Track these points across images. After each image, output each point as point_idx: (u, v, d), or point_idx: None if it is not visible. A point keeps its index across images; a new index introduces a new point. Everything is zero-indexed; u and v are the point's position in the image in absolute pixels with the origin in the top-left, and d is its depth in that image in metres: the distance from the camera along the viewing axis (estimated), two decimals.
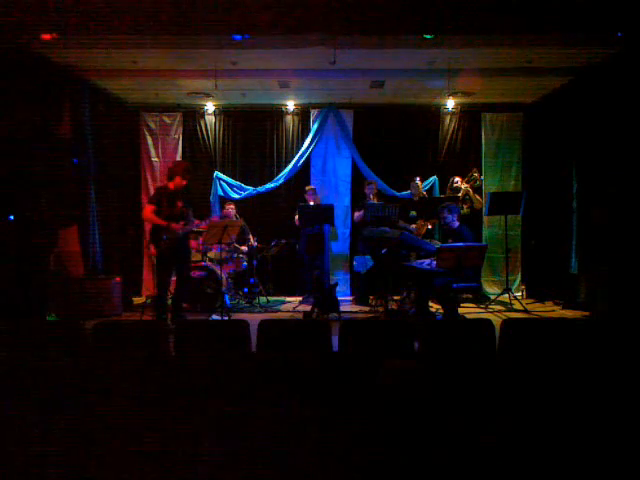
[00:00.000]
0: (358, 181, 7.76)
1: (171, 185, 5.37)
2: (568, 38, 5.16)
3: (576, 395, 2.24)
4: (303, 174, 7.89)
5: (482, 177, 7.38)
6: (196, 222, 5.57)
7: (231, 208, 7.25)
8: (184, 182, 5.39)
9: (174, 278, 5.71)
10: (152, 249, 5.60)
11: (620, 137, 5.57)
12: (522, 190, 7.47)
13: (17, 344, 2.89)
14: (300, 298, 7.11)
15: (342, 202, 7.87)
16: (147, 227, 7.40)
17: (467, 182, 7.08)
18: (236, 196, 7.79)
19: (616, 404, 2.14)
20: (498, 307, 6.57)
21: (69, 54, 5.54)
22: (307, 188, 7.36)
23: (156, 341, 3.08)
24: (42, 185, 5.57)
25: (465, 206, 7.02)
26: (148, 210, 5.24)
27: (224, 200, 7.68)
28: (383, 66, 6.27)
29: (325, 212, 6.33)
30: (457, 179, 7.16)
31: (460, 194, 7.00)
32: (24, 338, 2.94)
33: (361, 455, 1.87)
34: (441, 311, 5.58)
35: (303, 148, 7.81)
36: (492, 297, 6.98)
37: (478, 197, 7.21)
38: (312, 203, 7.22)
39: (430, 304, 5.81)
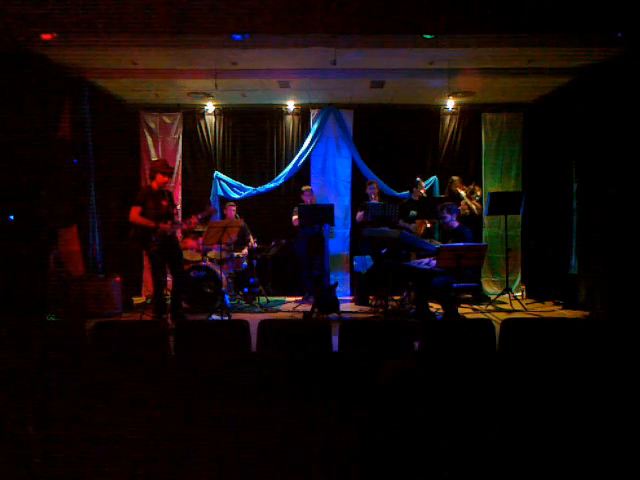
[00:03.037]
0: (358, 181, 7.77)
1: (154, 185, 5.37)
2: (568, 38, 5.16)
3: (576, 395, 2.24)
4: (303, 174, 7.89)
5: (481, 192, 7.38)
6: (181, 222, 5.62)
7: (233, 209, 7.25)
8: (165, 179, 5.41)
9: (171, 278, 5.73)
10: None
11: (620, 137, 5.57)
12: (522, 190, 7.47)
13: (17, 344, 2.89)
14: (300, 298, 7.11)
15: (342, 202, 7.87)
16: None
17: (467, 196, 7.05)
18: (236, 196, 7.79)
19: (616, 404, 2.14)
20: (498, 307, 6.57)
21: (69, 54, 5.54)
22: (303, 188, 7.35)
23: (156, 341, 3.08)
24: (42, 185, 5.57)
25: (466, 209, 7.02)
26: (135, 212, 5.21)
27: (224, 200, 7.69)
28: (383, 66, 6.27)
29: (325, 212, 6.33)
30: (454, 178, 7.15)
31: (460, 208, 6.96)
32: (24, 338, 2.94)
33: (362, 455, 1.87)
34: (441, 311, 5.58)
35: (303, 148, 7.80)
36: (492, 297, 6.97)
37: (478, 204, 7.20)
38: (309, 203, 7.21)
39: (430, 304, 5.81)
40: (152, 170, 5.48)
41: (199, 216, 5.60)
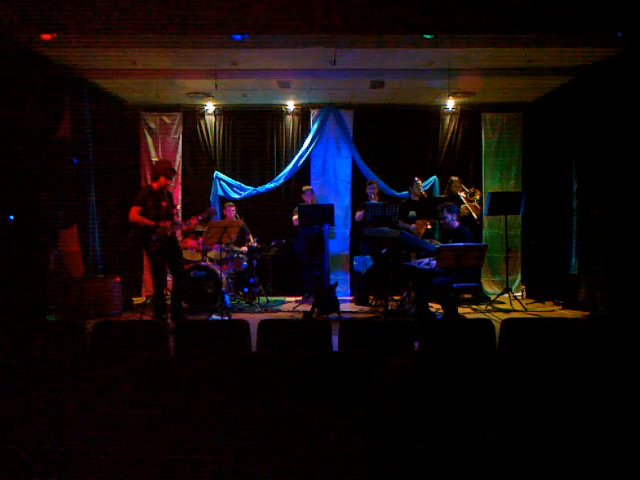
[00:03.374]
0: (358, 181, 7.77)
1: (155, 185, 5.37)
2: (568, 38, 5.16)
3: (576, 395, 2.24)
4: (303, 174, 7.89)
5: (480, 196, 7.39)
6: (180, 223, 5.63)
7: (232, 209, 7.26)
8: (168, 182, 5.42)
9: (171, 278, 5.73)
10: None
11: (620, 137, 5.57)
12: (522, 190, 7.47)
13: (17, 344, 2.89)
14: (300, 298, 7.11)
15: (342, 202, 7.87)
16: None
17: (467, 199, 7.05)
18: (236, 196, 7.79)
19: (616, 404, 2.14)
20: (498, 307, 6.57)
21: (69, 54, 5.54)
22: (304, 188, 7.35)
23: (156, 341, 3.08)
24: (42, 185, 5.57)
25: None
26: (134, 211, 5.20)
27: (224, 200, 7.69)
28: (383, 66, 6.27)
29: (325, 212, 6.33)
30: (454, 178, 7.15)
31: (461, 211, 6.96)
32: (24, 338, 2.94)
33: (361, 455, 1.87)
34: (441, 311, 5.59)
35: (303, 148, 7.80)
36: (492, 297, 6.97)
37: (477, 205, 7.21)
38: (309, 203, 7.21)
39: (430, 304, 5.81)
40: (156, 171, 5.48)
41: (199, 217, 5.60)
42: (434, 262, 5.30)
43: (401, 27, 4.46)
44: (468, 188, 7.19)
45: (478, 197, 7.22)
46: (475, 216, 7.00)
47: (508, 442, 1.92)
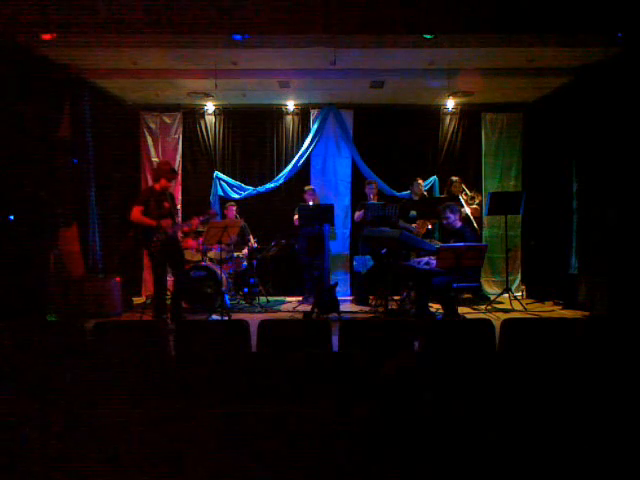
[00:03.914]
0: (358, 181, 7.77)
1: (157, 186, 5.38)
2: (568, 38, 5.16)
3: (576, 395, 2.24)
4: (303, 174, 7.89)
5: (480, 199, 7.40)
6: (181, 224, 5.64)
7: (233, 209, 7.25)
8: (169, 184, 5.43)
9: (171, 278, 5.73)
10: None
11: (620, 137, 5.57)
12: (522, 190, 7.47)
13: (17, 344, 2.89)
14: (300, 298, 7.11)
15: (342, 202, 7.87)
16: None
17: (467, 202, 7.04)
18: (236, 196, 7.79)
19: (615, 404, 2.14)
20: (498, 307, 6.57)
21: (69, 54, 5.54)
22: (306, 188, 7.35)
23: (156, 341, 3.08)
24: (42, 185, 5.57)
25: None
26: (136, 211, 5.19)
27: (224, 200, 7.69)
28: (383, 66, 6.27)
29: (325, 212, 6.33)
30: (454, 179, 7.15)
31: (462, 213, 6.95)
32: (24, 338, 2.94)
33: (361, 455, 1.87)
34: (441, 311, 5.59)
35: (303, 148, 7.81)
36: (492, 297, 6.97)
37: (477, 207, 7.22)
38: (311, 203, 7.22)
39: (430, 304, 5.80)
40: (157, 173, 5.48)
41: (200, 218, 5.60)
42: (433, 261, 5.30)
43: (401, 27, 4.46)
44: (468, 189, 7.20)
45: (478, 200, 7.23)
46: (474, 219, 7.00)
47: (508, 442, 1.92)
